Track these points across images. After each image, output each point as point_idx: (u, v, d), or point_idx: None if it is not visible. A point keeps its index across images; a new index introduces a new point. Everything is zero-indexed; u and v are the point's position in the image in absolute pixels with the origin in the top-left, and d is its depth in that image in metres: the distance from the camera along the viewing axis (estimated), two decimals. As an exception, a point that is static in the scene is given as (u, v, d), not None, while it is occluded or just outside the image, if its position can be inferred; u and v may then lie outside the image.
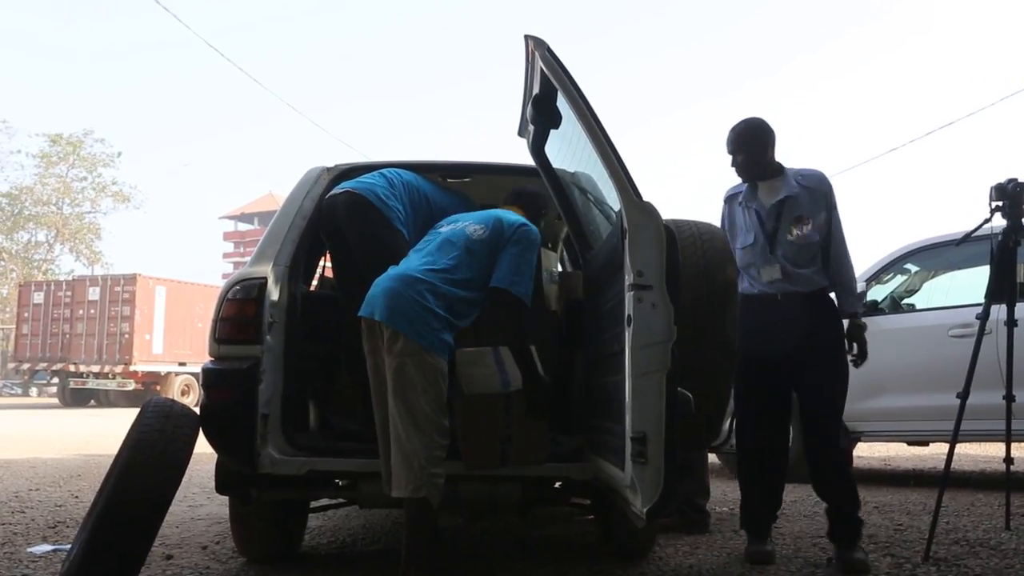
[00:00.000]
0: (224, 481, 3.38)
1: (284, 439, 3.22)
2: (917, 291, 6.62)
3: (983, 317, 4.05)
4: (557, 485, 3.55)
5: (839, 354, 3.68)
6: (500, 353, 3.20)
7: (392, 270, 3.17)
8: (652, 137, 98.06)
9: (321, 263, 4.32)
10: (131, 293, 22.16)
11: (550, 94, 3.19)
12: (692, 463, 4.41)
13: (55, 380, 25.26)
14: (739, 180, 3.81)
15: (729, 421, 4.54)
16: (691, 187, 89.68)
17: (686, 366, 2.57)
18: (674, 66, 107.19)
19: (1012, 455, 4.31)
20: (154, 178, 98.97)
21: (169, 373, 22.43)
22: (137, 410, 3.21)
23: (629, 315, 2.50)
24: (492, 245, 3.20)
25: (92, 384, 22.58)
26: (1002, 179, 4.17)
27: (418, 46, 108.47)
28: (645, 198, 2.61)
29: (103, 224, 43.72)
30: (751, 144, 3.70)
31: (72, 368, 22.56)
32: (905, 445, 7.91)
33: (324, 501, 3.82)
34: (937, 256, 6.40)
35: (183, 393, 21.93)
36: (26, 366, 23.99)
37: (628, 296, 2.51)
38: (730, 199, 3.87)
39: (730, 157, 3.75)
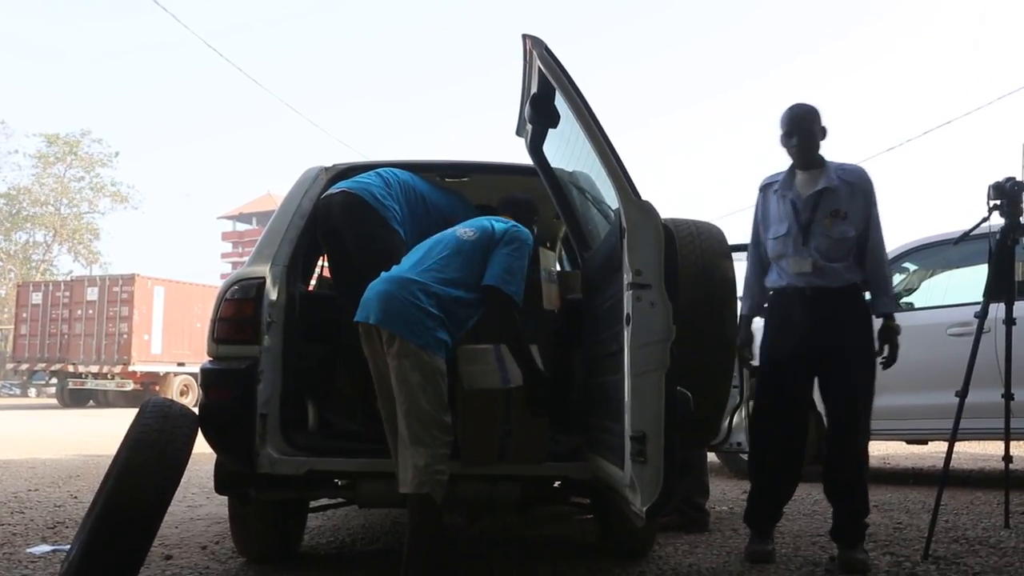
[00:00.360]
0: (223, 481, 3.38)
1: (283, 439, 3.22)
2: (915, 290, 6.63)
3: (981, 315, 4.05)
4: (556, 484, 3.55)
5: (867, 354, 3.61)
6: (500, 350, 3.24)
7: (385, 274, 3.18)
8: (651, 136, 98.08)
9: (319, 263, 4.32)
10: (129, 293, 22.14)
11: (548, 93, 3.19)
12: (691, 462, 4.41)
13: (54, 380, 25.23)
14: (763, 171, 3.83)
15: (728, 420, 4.55)
16: (690, 186, 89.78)
17: (685, 365, 2.57)
18: (673, 66, 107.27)
19: (1011, 453, 4.32)
20: (152, 178, 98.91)
21: (168, 373, 22.41)
22: (136, 410, 3.21)
23: (628, 314, 2.50)
24: (482, 246, 3.21)
25: (91, 384, 22.57)
26: (1000, 178, 4.17)
27: (416, 46, 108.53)
28: (643, 197, 2.61)
29: (101, 224, 43.85)
30: (810, 128, 3.62)
31: (71, 368, 22.54)
32: (904, 444, 7.91)
33: (323, 501, 3.82)
34: (935, 255, 6.40)
35: (182, 393, 21.90)
36: (25, 366, 23.97)
37: (627, 295, 2.51)
38: (765, 188, 3.79)
39: (783, 138, 3.66)
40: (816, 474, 3.81)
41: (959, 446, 4.60)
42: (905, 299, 6.50)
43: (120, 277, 23.02)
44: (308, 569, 3.60)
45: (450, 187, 4.05)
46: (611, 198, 2.99)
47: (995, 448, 7.04)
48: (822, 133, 3.65)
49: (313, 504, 3.84)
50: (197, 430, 3.15)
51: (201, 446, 3.16)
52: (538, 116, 3.41)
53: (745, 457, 6.39)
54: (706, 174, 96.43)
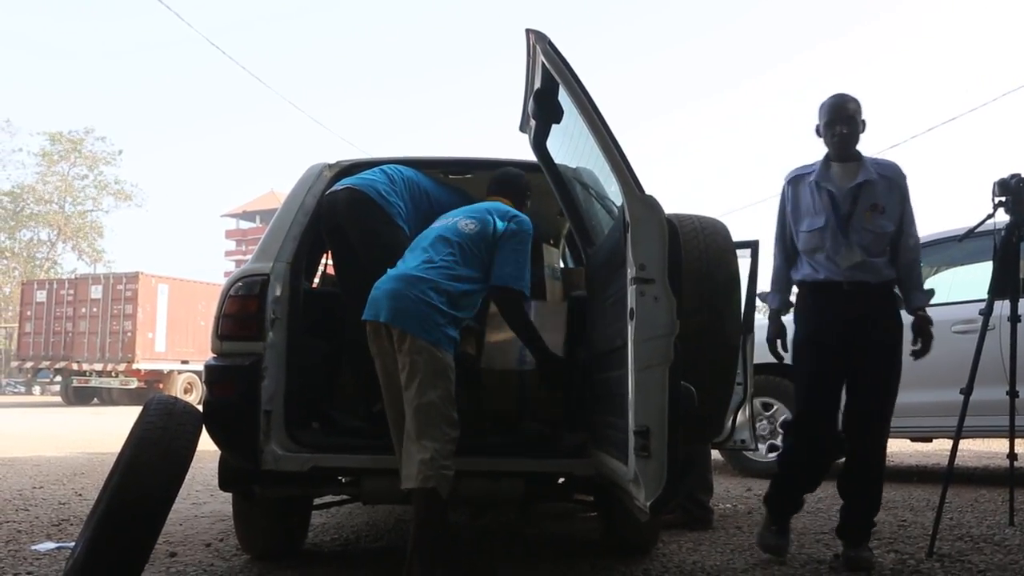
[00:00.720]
0: (227, 478, 3.38)
1: (287, 435, 3.22)
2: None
3: (986, 313, 4.04)
4: (560, 481, 3.54)
5: (897, 352, 3.56)
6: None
7: (392, 271, 3.19)
8: (648, 136, 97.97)
9: (323, 260, 4.32)
10: (133, 291, 22.18)
11: (551, 88, 3.19)
12: (695, 459, 4.40)
13: (58, 378, 25.26)
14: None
15: (732, 417, 4.55)
16: (688, 185, 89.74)
17: (688, 360, 2.56)
18: (669, 65, 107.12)
19: (1016, 451, 4.31)
20: (156, 176, 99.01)
21: (172, 371, 22.45)
22: (140, 408, 3.22)
23: (631, 309, 2.49)
24: (485, 238, 3.23)
25: (95, 382, 22.61)
26: (1005, 174, 4.16)
27: (419, 43, 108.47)
28: (647, 192, 2.60)
29: (105, 222, 43.91)
30: (855, 118, 3.55)
31: (75, 366, 22.57)
32: (908, 441, 7.90)
33: (328, 498, 3.82)
34: (940, 252, 6.38)
35: (186, 391, 21.94)
36: (29, 364, 24.00)
37: (630, 290, 2.51)
38: (796, 179, 3.69)
39: (824, 127, 3.58)
40: None
41: (963, 443, 4.59)
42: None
43: (124, 275, 23.04)
44: (312, 566, 3.61)
45: (454, 183, 4.05)
46: (615, 194, 2.98)
47: (999, 445, 7.03)
48: (862, 126, 3.60)
49: (317, 501, 3.85)
50: (201, 427, 3.15)
51: (205, 443, 3.16)
52: (541, 112, 3.40)
53: (749, 455, 6.43)
54: (703, 173, 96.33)
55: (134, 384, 22.00)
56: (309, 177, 3.77)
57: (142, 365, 21.91)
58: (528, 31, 3.12)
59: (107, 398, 23.57)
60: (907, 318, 3.62)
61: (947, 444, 4.59)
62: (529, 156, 3.83)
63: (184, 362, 22.53)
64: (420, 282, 3.07)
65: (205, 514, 4.99)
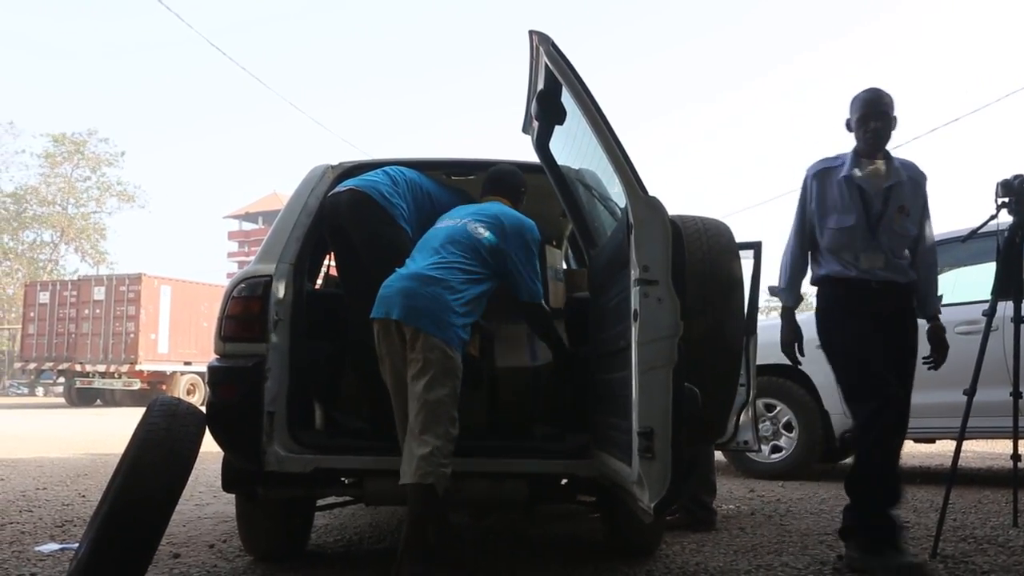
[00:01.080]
0: (230, 479, 3.38)
1: (290, 437, 3.22)
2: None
3: (989, 314, 4.03)
4: (563, 482, 3.54)
5: (915, 355, 3.53)
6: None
7: (402, 271, 3.20)
8: (649, 137, 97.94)
9: (326, 261, 4.32)
10: (136, 293, 22.21)
11: (554, 90, 3.19)
12: (698, 460, 4.40)
13: (61, 380, 25.31)
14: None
15: (735, 418, 4.54)
16: (691, 186, 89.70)
17: (691, 361, 2.56)
18: (672, 66, 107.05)
19: (1019, 452, 4.30)
20: (158, 177, 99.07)
21: (175, 372, 22.47)
22: (143, 409, 3.22)
23: (635, 310, 2.49)
24: (496, 245, 3.29)
25: (98, 383, 22.63)
26: (1008, 175, 4.15)
27: (419, 43, 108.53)
28: (650, 193, 2.60)
29: (108, 224, 43.93)
30: (890, 114, 3.47)
31: (78, 368, 22.61)
32: (911, 442, 7.89)
33: (331, 499, 3.82)
34: (943, 252, 6.30)
35: (189, 392, 21.95)
36: (32, 366, 24.05)
37: (634, 291, 2.51)
38: (823, 174, 3.56)
39: (857, 121, 3.49)
40: (821, 472, 3.79)
41: (967, 445, 4.57)
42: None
43: (127, 276, 23.08)
44: (315, 567, 3.61)
45: (456, 185, 4.05)
46: (618, 195, 2.98)
47: (1003, 447, 7.02)
48: (894, 122, 3.54)
49: (320, 502, 3.84)
50: (204, 428, 3.16)
51: (208, 444, 3.16)
52: (544, 113, 3.40)
53: (752, 456, 6.43)
54: (705, 174, 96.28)
55: (137, 385, 22.04)
56: (312, 178, 3.77)
57: (145, 366, 21.94)
58: (531, 32, 3.12)
59: (110, 399, 23.60)
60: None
61: (950, 445, 4.57)
62: (532, 157, 3.83)
63: (187, 363, 22.56)
64: (433, 282, 3.10)
65: (208, 515, 4.99)
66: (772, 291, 3.75)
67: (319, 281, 4.34)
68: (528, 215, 4.50)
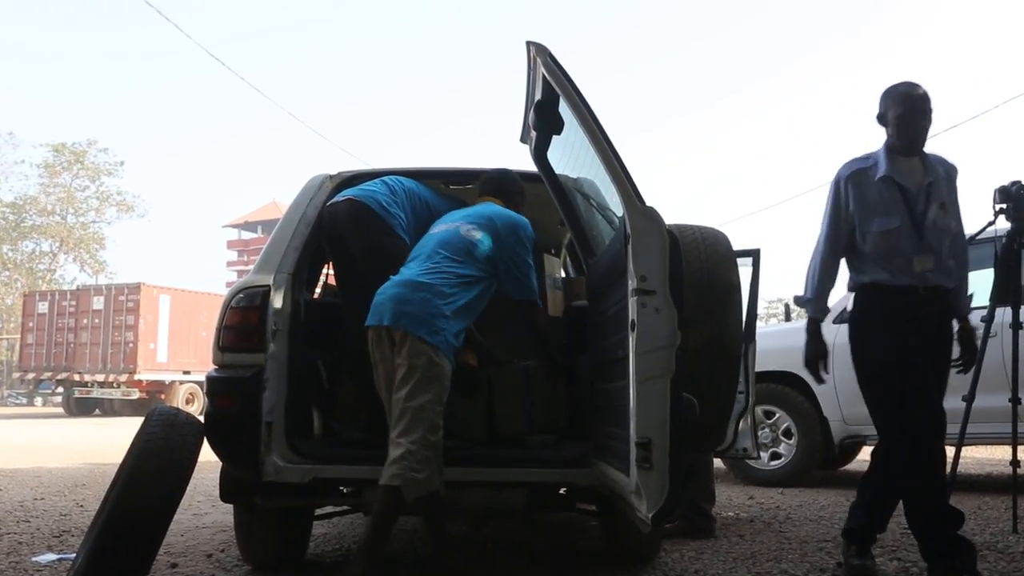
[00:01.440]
0: (228, 489, 3.38)
1: (288, 447, 3.22)
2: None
3: (988, 320, 4.05)
4: (562, 491, 3.54)
5: (949, 363, 3.37)
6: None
7: (395, 278, 3.21)
8: (650, 142, 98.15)
9: (324, 270, 4.32)
10: (135, 302, 22.20)
11: (552, 100, 3.20)
12: (697, 467, 4.40)
13: (60, 389, 25.28)
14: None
15: (734, 425, 4.54)
16: (687, 192, 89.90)
17: (689, 370, 2.57)
18: (669, 74, 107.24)
19: (1019, 458, 4.30)
20: (157, 187, 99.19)
21: (173, 382, 22.46)
22: (142, 419, 3.22)
23: (633, 320, 2.50)
24: (489, 245, 3.30)
25: (97, 393, 22.62)
26: (1006, 182, 4.16)
27: (417, 53, 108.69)
28: (648, 203, 2.61)
29: (107, 233, 44.01)
30: (929, 109, 3.28)
31: (77, 377, 22.59)
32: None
33: (329, 508, 3.82)
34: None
35: (187, 402, 21.94)
36: (31, 376, 24.02)
37: (631, 301, 2.51)
38: (858, 175, 3.33)
39: (897, 117, 3.26)
40: (820, 479, 3.78)
41: (966, 450, 4.57)
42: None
43: (126, 286, 23.08)
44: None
45: (454, 194, 4.06)
46: (616, 204, 2.99)
47: (1002, 453, 7.02)
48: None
49: (318, 512, 3.84)
50: (203, 438, 3.16)
51: (207, 454, 3.16)
52: (542, 123, 3.42)
53: (751, 463, 6.43)
54: (703, 181, 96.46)
55: (136, 395, 22.01)
56: (310, 188, 3.78)
57: (144, 376, 21.92)
58: (529, 43, 3.14)
59: (109, 409, 23.56)
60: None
61: (949, 451, 4.57)
62: (530, 166, 3.84)
63: (186, 373, 22.55)
64: (423, 287, 3.11)
65: (206, 525, 4.98)
66: (798, 301, 3.53)
67: (318, 290, 4.34)
68: (522, 214, 4.52)
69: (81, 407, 23.38)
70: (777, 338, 6.95)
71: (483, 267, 3.28)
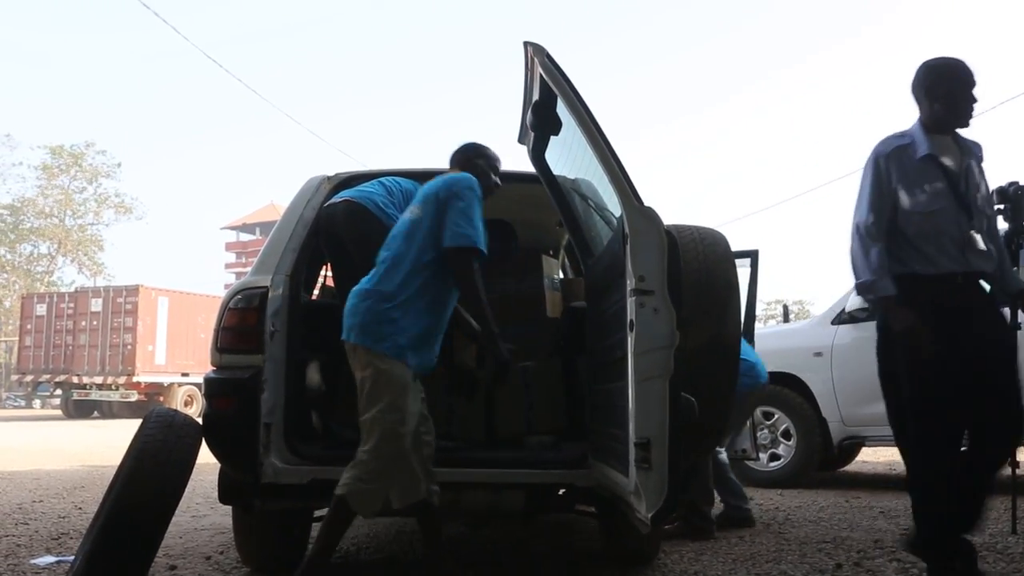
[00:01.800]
0: (227, 491, 3.37)
1: (287, 448, 3.22)
2: None
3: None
4: (561, 492, 3.54)
5: (1014, 350, 3.13)
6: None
7: (353, 288, 3.18)
8: (651, 142, 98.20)
9: (323, 272, 4.32)
10: (134, 304, 22.18)
11: (550, 100, 3.20)
12: (696, 469, 4.39)
13: (58, 392, 25.28)
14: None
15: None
16: (686, 193, 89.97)
17: (688, 370, 2.56)
18: (670, 74, 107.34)
19: (1018, 459, 4.30)
20: (156, 188, 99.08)
21: (172, 384, 22.43)
22: (140, 421, 3.21)
23: (631, 320, 2.50)
24: (431, 217, 3.10)
25: (95, 395, 22.60)
26: (1004, 183, 4.16)
27: (415, 55, 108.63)
28: (646, 203, 2.61)
29: (105, 235, 43.96)
30: (974, 85, 3.12)
31: (75, 380, 22.57)
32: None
33: (328, 510, 3.81)
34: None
35: (186, 404, 21.92)
36: (29, 378, 23.99)
37: (630, 301, 2.51)
38: (899, 152, 3.15)
39: (944, 95, 3.12)
40: (819, 480, 3.78)
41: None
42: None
43: (124, 288, 23.05)
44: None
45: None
46: (614, 205, 2.99)
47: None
48: None
49: (317, 513, 3.83)
50: (201, 440, 3.15)
51: (205, 456, 3.16)
52: (540, 123, 3.42)
53: (750, 464, 6.43)
54: (701, 183, 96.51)
55: (134, 397, 21.99)
56: (308, 189, 3.78)
57: (142, 378, 21.90)
58: (526, 44, 3.14)
59: (107, 411, 23.54)
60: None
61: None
62: (528, 167, 3.84)
63: (184, 374, 22.52)
64: (368, 295, 3.06)
65: (205, 527, 4.98)
66: (860, 288, 3.20)
67: (316, 292, 4.34)
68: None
69: (79, 409, 23.35)
70: (775, 339, 6.96)
71: (429, 244, 3.08)
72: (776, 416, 6.54)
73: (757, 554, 3.96)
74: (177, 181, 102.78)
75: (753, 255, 5.56)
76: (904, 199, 3.12)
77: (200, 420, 3.29)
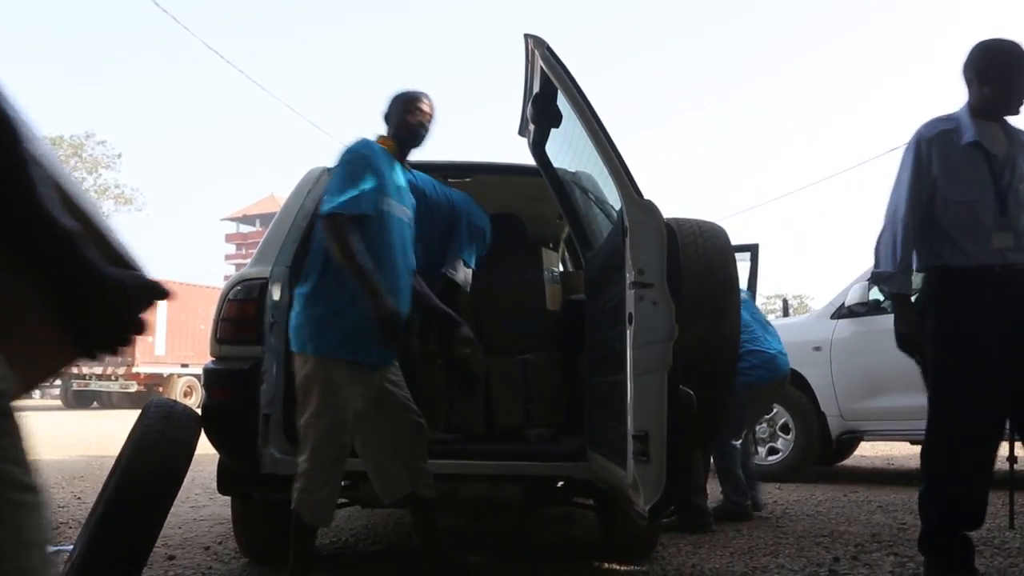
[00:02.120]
0: (226, 481, 3.38)
1: (286, 439, 3.22)
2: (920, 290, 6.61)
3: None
4: (559, 485, 3.54)
5: None
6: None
7: None
8: (654, 137, 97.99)
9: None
10: (133, 295, 22.15)
11: (550, 93, 3.19)
12: (696, 462, 4.40)
13: (58, 382, 25.27)
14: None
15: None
16: (689, 185, 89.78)
17: (687, 364, 2.57)
18: (671, 68, 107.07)
19: (1016, 454, 4.30)
20: (156, 180, 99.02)
21: (172, 375, 22.48)
22: (139, 411, 3.22)
23: (630, 313, 2.49)
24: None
25: (95, 386, 22.64)
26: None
27: (417, 47, 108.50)
28: (645, 196, 2.61)
29: (105, 226, 43.81)
30: None
31: (75, 370, 22.54)
32: (908, 444, 7.89)
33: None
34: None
35: (186, 394, 21.96)
36: (29, 368, 23.98)
37: (629, 294, 2.51)
38: (943, 137, 3.00)
39: (999, 77, 2.97)
40: (818, 474, 3.78)
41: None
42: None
43: (124, 279, 23.02)
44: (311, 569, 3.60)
45: (452, 188, 4.06)
46: (613, 198, 2.99)
47: (999, 449, 7.01)
48: None
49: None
50: (200, 430, 3.15)
51: (204, 446, 3.16)
52: (540, 116, 3.41)
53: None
54: (704, 174, 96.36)
55: (134, 387, 22.05)
56: (308, 181, 3.78)
57: (142, 369, 21.94)
58: (527, 36, 3.13)
59: (107, 401, 23.58)
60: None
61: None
62: (528, 159, 3.84)
63: (184, 365, 22.56)
64: (293, 301, 3.05)
65: (204, 517, 4.98)
66: (877, 278, 3.13)
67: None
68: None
69: (79, 399, 23.38)
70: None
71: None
72: (775, 410, 6.54)
73: (755, 547, 3.97)
74: (177, 172, 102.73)
75: (753, 249, 5.57)
76: (943, 187, 2.99)
77: (199, 410, 3.29)
